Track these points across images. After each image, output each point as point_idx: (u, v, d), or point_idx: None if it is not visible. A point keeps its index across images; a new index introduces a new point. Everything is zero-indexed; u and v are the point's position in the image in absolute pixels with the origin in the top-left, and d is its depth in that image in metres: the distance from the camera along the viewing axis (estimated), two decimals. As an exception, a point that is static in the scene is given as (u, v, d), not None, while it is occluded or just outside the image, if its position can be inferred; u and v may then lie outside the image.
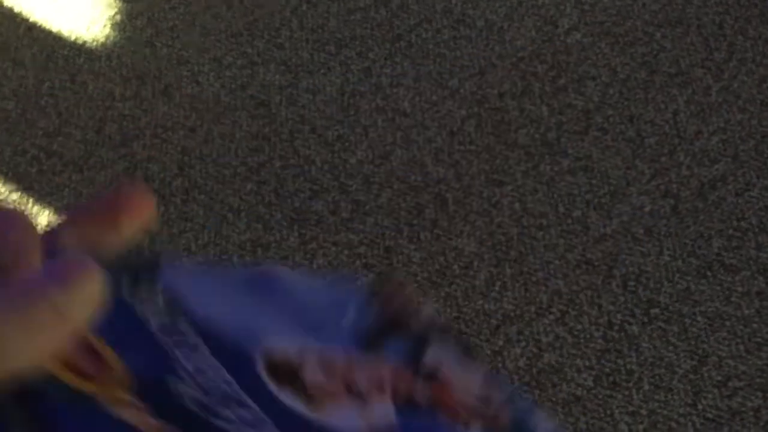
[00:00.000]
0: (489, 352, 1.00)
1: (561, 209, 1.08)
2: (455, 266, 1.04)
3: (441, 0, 1.23)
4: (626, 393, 0.98)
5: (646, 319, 1.02)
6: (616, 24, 1.22)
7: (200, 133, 1.12)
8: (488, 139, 1.13)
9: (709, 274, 1.05)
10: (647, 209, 1.09)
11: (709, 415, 0.97)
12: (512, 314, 1.02)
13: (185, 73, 1.17)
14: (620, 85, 1.17)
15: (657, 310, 1.03)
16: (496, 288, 1.03)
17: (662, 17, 1.22)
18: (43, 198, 1.08)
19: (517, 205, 1.08)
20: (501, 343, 1.01)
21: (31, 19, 1.20)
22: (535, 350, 1.00)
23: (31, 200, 1.08)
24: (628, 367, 0.99)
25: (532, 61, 1.18)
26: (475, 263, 1.05)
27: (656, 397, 0.98)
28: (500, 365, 0.99)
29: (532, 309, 1.02)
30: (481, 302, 1.03)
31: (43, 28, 1.20)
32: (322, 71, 1.17)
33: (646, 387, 0.98)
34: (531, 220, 1.07)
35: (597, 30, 1.21)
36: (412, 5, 1.22)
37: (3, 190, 1.08)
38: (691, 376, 0.99)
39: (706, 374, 0.99)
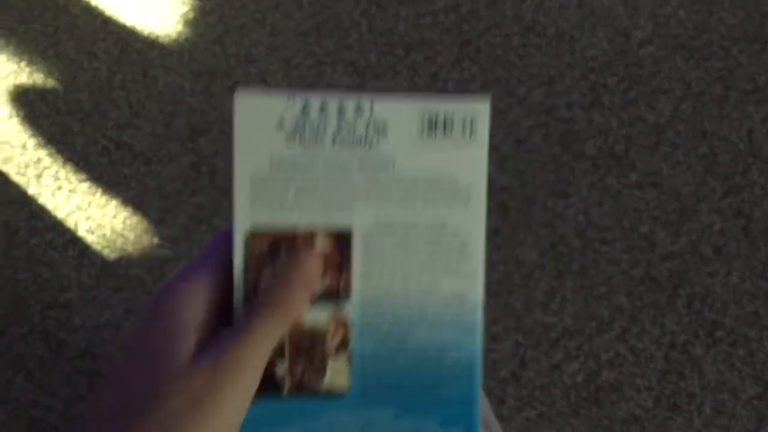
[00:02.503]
0: (547, 365, 0.99)
1: (627, 224, 1.06)
2: (516, 276, 1.03)
3: (511, 6, 1.22)
4: (687, 416, 0.96)
5: (710, 341, 1.00)
6: (691, 38, 1.19)
7: (266, 131, 1.14)
8: (555, 148, 1.11)
9: (778, 298, 1.02)
10: (717, 228, 1.06)
11: (774, 444, 0.94)
12: (572, 328, 1.01)
13: (253, 71, 1.18)
14: (694, 100, 1.14)
15: (722, 333, 1.00)
16: (557, 300, 1.02)
17: (739, 32, 1.19)
18: (111, 188, 1.10)
19: (581, 218, 1.07)
20: (560, 357, 0.99)
21: (106, 13, 1.23)
22: (594, 366, 0.99)
23: (99, 190, 1.10)
24: (690, 389, 0.97)
25: (603, 72, 1.17)
26: (537, 274, 1.03)
27: (718, 422, 0.95)
28: (557, 380, 0.98)
29: (593, 324, 1.01)
30: (540, 314, 1.01)
31: (117, 23, 1.23)
32: (389, 74, 1.17)
33: (708, 411, 0.96)
34: (595, 233, 1.06)
35: (671, 43, 1.19)
36: (482, 11, 1.21)
37: (74, 179, 1.11)
38: (755, 402, 0.96)
39: (770, 401, 0.96)
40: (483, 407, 0.56)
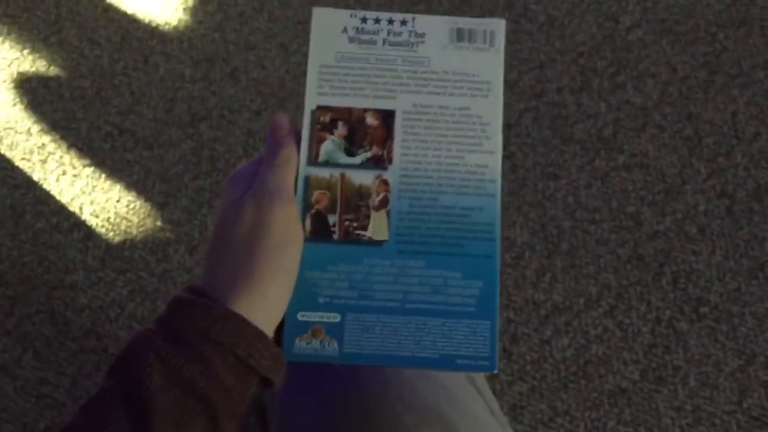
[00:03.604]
0: (537, 341, 1.02)
1: (614, 204, 1.10)
2: (507, 256, 1.06)
3: (503, -7, 1.25)
4: (672, 388, 1.00)
5: (695, 317, 1.03)
6: (678, 22, 1.22)
7: (265, 117, 1.16)
8: (545, 132, 1.15)
9: (760, 275, 1.05)
10: (701, 208, 1.09)
11: (754, 414, 0.98)
12: (561, 305, 1.04)
13: (252, 58, 1.21)
14: (680, 84, 1.18)
15: (706, 309, 1.04)
16: (547, 279, 1.05)
17: (726, 17, 1.22)
18: (114, 173, 1.13)
19: (570, 199, 1.10)
20: (549, 333, 1.03)
21: (107, 1, 1.26)
22: (582, 341, 1.02)
23: (103, 175, 1.13)
24: (675, 363, 1.01)
25: (592, 57, 1.20)
26: (527, 254, 1.07)
27: (702, 393, 0.99)
28: (548, 355, 1.01)
29: (581, 301, 1.04)
30: (531, 292, 1.05)
31: (118, 10, 1.25)
32: (384, 60, 1.20)
33: (692, 383, 1.00)
34: (584, 214, 1.09)
35: (659, 28, 1.22)
36: (475, -2, 1.24)
37: (78, 164, 1.14)
38: (738, 375, 1.00)
39: (752, 373, 1.00)
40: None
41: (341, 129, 0.43)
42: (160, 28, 1.23)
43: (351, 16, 0.45)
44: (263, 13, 1.24)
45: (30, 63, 1.21)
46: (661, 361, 1.01)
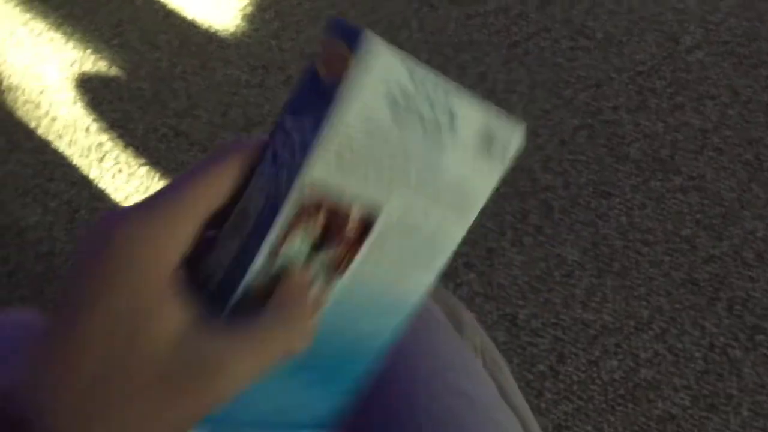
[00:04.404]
0: (585, 361, 1.00)
1: (669, 226, 1.08)
2: (556, 273, 1.05)
3: (561, 11, 1.24)
4: (723, 417, 0.97)
5: (750, 345, 1.00)
6: (740, 45, 1.20)
7: (318, 124, 1.17)
8: (599, 150, 1.13)
9: (819, 306, 1.02)
10: (760, 234, 1.07)
11: (811, 449, 0.95)
12: (611, 326, 1.02)
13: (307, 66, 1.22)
14: (741, 107, 1.15)
15: (762, 337, 1.01)
16: (597, 299, 1.04)
17: (790, 41, 1.20)
18: (168, 173, 1.15)
19: (623, 219, 1.08)
20: (597, 353, 1.01)
21: (168, 6, 1.28)
22: (632, 364, 1.00)
23: (157, 175, 1.15)
24: (728, 391, 0.98)
25: (651, 76, 1.18)
26: (577, 272, 1.05)
27: (755, 424, 0.96)
28: (595, 376, 1.00)
29: (632, 323, 1.02)
30: (580, 311, 1.03)
31: (179, 16, 1.27)
32: (438, 73, 1.20)
33: (745, 413, 0.97)
34: (637, 235, 1.07)
35: (721, 50, 1.20)
36: (531, 14, 1.24)
37: (133, 163, 1.16)
38: (793, 408, 0.97)
39: (808, 407, 0.97)
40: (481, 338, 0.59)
41: (322, 219, 0.34)
42: (219, 34, 1.25)
43: (401, 61, 0.33)
44: (319, 22, 1.25)
45: (92, 63, 1.24)
46: (713, 389, 0.98)
